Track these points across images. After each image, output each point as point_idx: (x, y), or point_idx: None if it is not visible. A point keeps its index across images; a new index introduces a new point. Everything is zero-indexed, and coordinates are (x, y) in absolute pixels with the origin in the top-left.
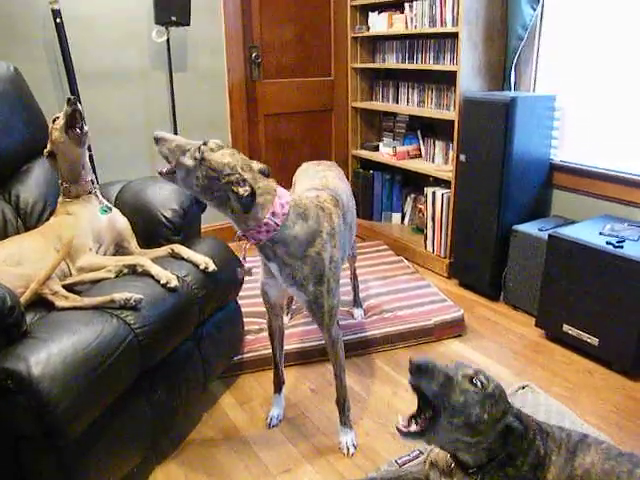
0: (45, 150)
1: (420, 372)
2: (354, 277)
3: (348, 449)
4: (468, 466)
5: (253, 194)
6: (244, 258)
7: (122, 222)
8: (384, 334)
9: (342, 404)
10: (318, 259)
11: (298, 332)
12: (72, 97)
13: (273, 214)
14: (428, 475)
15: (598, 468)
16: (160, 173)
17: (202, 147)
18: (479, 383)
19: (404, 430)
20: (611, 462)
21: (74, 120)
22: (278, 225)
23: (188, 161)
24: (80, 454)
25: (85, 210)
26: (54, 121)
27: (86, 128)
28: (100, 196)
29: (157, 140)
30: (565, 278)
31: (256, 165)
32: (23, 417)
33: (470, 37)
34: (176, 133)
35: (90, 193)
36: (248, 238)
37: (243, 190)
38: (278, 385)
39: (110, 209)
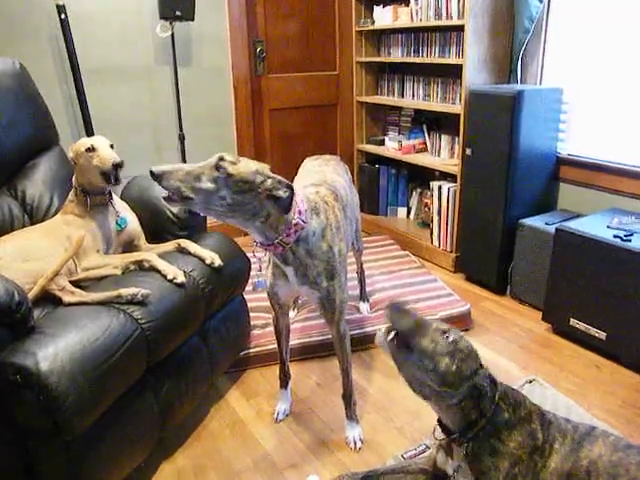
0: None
1: (395, 310)
2: (361, 271)
3: (355, 443)
4: (450, 430)
5: (292, 194)
6: (260, 270)
7: (131, 222)
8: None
9: (349, 399)
10: (330, 253)
11: (303, 327)
12: (120, 161)
13: (299, 212)
14: (436, 459)
15: (606, 459)
16: (168, 199)
17: (220, 163)
18: (451, 337)
19: (381, 337)
20: (619, 454)
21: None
22: (305, 222)
23: (208, 185)
24: (87, 448)
25: (96, 215)
26: (88, 150)
27: (121, 178)
28: (116, 205)
29: (158, 176)
30: (572, 272)
31: None
32: (31, 412)
33: (476, 30)
34: (181, 129)
35: (105, 205)
36: (273, 247)
37: (283, 192)
38: (284, 380)
39: (126, 222)
